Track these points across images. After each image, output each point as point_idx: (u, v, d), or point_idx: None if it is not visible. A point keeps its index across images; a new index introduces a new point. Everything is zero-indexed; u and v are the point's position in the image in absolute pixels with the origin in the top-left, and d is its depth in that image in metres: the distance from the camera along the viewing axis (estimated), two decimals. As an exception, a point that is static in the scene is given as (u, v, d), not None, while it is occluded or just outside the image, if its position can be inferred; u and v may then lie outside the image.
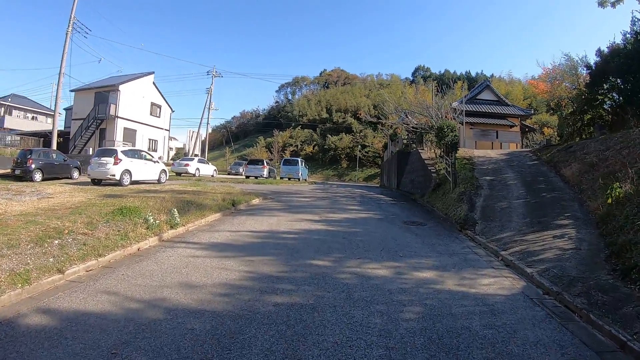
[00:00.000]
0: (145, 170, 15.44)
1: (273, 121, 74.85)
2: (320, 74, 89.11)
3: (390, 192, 20.51)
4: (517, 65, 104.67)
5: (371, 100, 71.20)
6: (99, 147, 29.77)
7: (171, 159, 27.87)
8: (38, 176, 15.94)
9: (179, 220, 7.59)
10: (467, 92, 31.31)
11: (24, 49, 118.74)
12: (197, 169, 25.12)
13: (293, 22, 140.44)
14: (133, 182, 14.80)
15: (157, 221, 7.14)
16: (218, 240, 6.80)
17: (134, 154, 15.25)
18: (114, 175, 13.91)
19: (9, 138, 29.53)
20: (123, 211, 7.77)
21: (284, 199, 13.54)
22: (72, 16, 21.17)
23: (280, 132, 66.08)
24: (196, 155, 35.72)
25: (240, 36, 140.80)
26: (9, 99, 35.87)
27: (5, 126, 33.06)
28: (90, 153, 30.42)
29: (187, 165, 24.52)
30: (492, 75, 63.63)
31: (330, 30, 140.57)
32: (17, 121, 36.28)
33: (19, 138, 29.52)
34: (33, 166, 15.78)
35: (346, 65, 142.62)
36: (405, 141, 24.99)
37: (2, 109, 34.74)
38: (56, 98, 20.18)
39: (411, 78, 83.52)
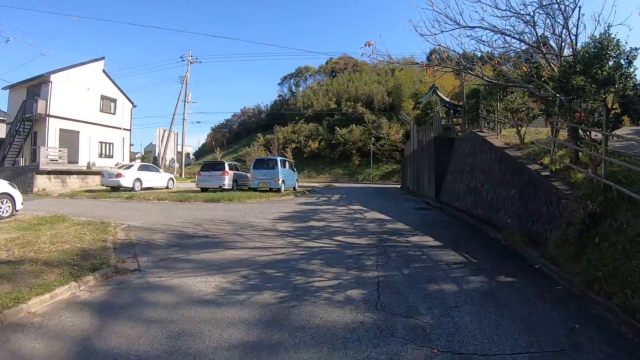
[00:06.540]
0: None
1: (277, 114, 67.41)
2: (326, 62, 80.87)
3: (436, 215, 11.78)
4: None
5: (384, 87, 63.21)
6: (32, 156, 23.04)
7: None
8: None
9: None
10: (493, 73, 21.81)
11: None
12: (138, 179, 17.71)
13: (291, 11, 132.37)
14: None
15: None
16: None
17: None
18: None
19: None
20: None
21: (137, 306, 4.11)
22: None
23: (282, 128, 58.54)
24: (169, 160, 28.64)
25: (225, 25, 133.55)
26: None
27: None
28: (22, 164, 23.73)
29: (119, 176, 16.95)
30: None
31: (332, 15, 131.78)
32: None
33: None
34: None
35: (354, 53, 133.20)
36: (443, 122, 16.74)
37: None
38: None
39: (426, 62, 73.86)
